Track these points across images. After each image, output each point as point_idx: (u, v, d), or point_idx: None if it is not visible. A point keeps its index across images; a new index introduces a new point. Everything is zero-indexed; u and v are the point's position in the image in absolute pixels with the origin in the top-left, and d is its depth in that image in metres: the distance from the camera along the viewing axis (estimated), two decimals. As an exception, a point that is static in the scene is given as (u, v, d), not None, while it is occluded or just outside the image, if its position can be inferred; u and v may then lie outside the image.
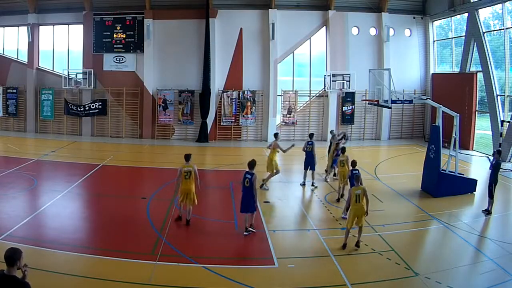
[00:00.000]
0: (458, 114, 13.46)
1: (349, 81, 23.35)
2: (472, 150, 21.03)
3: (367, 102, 19.60)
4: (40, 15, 24.45)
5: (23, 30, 24.47)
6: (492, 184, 11.63)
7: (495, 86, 19.29)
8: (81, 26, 24.13)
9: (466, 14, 21.15)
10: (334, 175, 15.20)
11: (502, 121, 18.12)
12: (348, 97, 23.88)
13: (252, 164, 10.00)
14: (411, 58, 24.79)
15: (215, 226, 10.74)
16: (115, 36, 23.83)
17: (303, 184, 14.32)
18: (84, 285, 7.49)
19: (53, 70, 24.81)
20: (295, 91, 23.92)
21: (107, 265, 8.21)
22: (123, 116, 24.16)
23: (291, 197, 13.48)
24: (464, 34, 21.61)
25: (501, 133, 17.75)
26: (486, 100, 20.13)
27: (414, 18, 24.56)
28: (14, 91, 24.59)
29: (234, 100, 23.55)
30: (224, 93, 23.48)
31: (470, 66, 21.46)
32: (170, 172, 15.28)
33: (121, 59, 24.05)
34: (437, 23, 24.58)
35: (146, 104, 23.76)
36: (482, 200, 13.48)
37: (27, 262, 4.78)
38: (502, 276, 8.02)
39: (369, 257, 8.87)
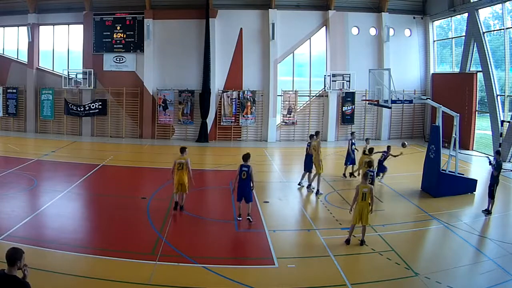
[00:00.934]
0: (458, 114, 13.46)
1: (349, 81, 23.37)
2: (472, 150, 21.04)
3: (367, 102, 19.63)
4: (40, 15, 24.46)
5: (23, 30, 24.48)
6: (493, 185, 11.62)
7: (495, 86, 19.29)
8: (81, 26, 24.15)
9: (466, 14, 21.16)
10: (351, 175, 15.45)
11: (502, 121, 18.12)
12: (348, 97, 23.89)
13: (247, 156, 10.60)
14: (411, 58, 24.80)
15: (215, 226, 10.73)
16: (115, 36, 23.85)
17: (300, 185, 14.25)
18: (84, 285, 7.49)
19: (53, 70, 24.83)
20: (295, 91, 23.92)
21: (107, 265, 8.20)
22: (123, 116, 24.17)
23: (291, 197, 13.48)
24: (464, 34, 21.62)
25: (501, 133, 17.75)
26: (486, 100, 20.13)
27: (414, 18, 24.58)
28: (14, 91, 24.59)
29: (234, 100, 23.55)
30: (224, 93, 23.48)
31: (470, 66, 21.47)
32: (170, 172, 15.29)
33: (121, 59, 24.05)
34: (437, 23, 24.59)
35: (146, 104, 23.77)
36: (482, 200, 13.48)
37: (27, 262, 4.77)
38: (502, 276, 8.02)
39: (369, 257, 8.87)
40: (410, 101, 15.96)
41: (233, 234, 10.20)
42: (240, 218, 10.69)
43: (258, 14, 23.57)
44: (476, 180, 13.85)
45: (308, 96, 24.27)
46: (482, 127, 21.26)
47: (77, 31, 24.41)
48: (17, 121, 25.02)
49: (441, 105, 13.29)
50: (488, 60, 19.44)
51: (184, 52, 23.64)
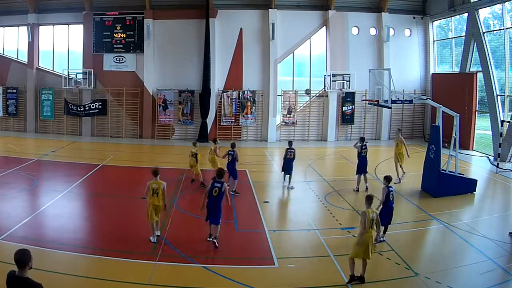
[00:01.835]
0: (458, 114, 13.46)
1: (349, 81, 23.36)
2: (472, 150, 21.04)
3: (367, 102, 19.63)
4: (40, 15, 24.46)
5: (23, 30, 24.48)
6: None
7: (495, 86, 19.29)
8: (81, 26, 24.15)
9: (466, 14, 21.15)
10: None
11: (502, 121, 18.12)
12: (348, 97, 23.88)
13: (221, 172, 9.29)
14: (411, 58, 24.79)
15: (215, 226, 10.72)
16: (115, 36, 23.85)
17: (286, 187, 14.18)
18: (84, 285, 7.49)
19: (53, 70, 24.83)
20: (295, 91, 23.92)
21: (107, 265, 8.20)
22: (123, 116, 24.17)
23: (291, 197, 13.48)
24: (464, 34, 21.62)
25: (501, 133, 17.75)
26: (486, 100, 20.13)
27: (414, 18, 24.58)
28: (14, 91, 24.59)
29: (234, 100, 23.55)
30: (224, 93, 23.48)
31: (470, 66, 21.46)
32: (171, 172, 15.34)
33: (121, 59, 24.05)
34: (437, 23, 24.59)
35: (146, 104, 23.78)
36: (482, 200, 13.51)
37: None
38: (502, 276, 8.03)
39: (369, 257, 8.86)
40: (410, 101, 15.96)
41: (233, 234, 10.19)
42: (211, 239, 9.33)
43: (258, 14, 23.57)
44: (476, 180, 13.85)
45: (308, 96, 24.27)
46: (482, 127, 21.26)
47: (77, 31, 24.42)
48: (17, 121, 25.02)
49: (441, 105, 13.29)
50: (488, 60, 19.43)
51: (184, 52, 23.65)
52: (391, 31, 24.07)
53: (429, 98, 15.04)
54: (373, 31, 24.24)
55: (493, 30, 20.12)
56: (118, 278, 7.60)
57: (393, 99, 13.91)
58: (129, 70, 24.05)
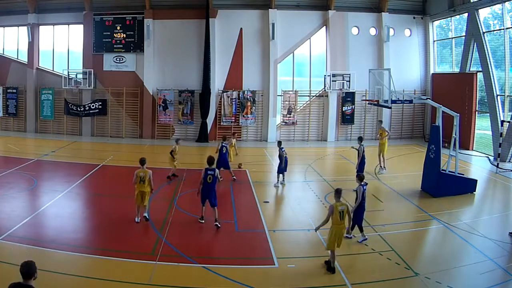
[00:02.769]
0: (458, 114, 13.46)
1: (349, 81, 23.36)
2: (472, 150, 21.03)
3: (367, 102, 19.63)
4: (40, 15, 24.45)
5: (23, 30, 24.47)
6: None
7: (495, 86, 19.28)
8: (81, 26, 24.14)
9: (466, 14, 21.15)
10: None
11: (502, 121, 18.12)
12: (348, 97, 23.88)
13: (212, 160, 10.45)
14: (411, 58, 24.79)
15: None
16: (115, 36, 23.85)
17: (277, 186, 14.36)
18: (84, 285, 7.49)
19: (53, 70, 24.82)
20: (295, 91, 23.93)
21: (107, 265, 8.21)
22: (123, 116, 24.17)
23: (291, 197, 13.49)
24: (464, 34, 21.62)
25: (501, 133, 17.75)
26: (486, 100, 20.12)
27: (414, 18, 24.57)
28: (14, 91, 24.59)
29: (234, 100, 23.55)
30: (224, 93, 23.48)
31: (470, 66, 21.46)
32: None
33: (121, 59, 24.05)
34: (437, 23, 24.59)
35: (146, 104, 23.77)
36: (482, 200, 13.52)
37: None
38: (502, 276, 8.03)
39: (369, 257, 8.88)
40: (410, 101, 15.94)
41: (233, 234, 10.19)
42: (203, 221, 10.46)
43: (258, 14, 23.57)
44: (476, 180, 13.85)
45: (308, 96, 24.27)
46: (482, 127, 21.26)
47: (77, 31, 24.41)
48: (17, 121, 25.02)
49: (441, 105, 13.29)
50: (488, 60, 19.43)
51: (184, 52, 23.65)
52: (391, 31, 24.07)
53: (429, 98, 15.04)
54: (373, 31, 24.24)
55: (493, 30, 20.12)
56: (118, 278, 7.60)
57: (393, 99, 13.91)
58: (129, 70, 24.05)
